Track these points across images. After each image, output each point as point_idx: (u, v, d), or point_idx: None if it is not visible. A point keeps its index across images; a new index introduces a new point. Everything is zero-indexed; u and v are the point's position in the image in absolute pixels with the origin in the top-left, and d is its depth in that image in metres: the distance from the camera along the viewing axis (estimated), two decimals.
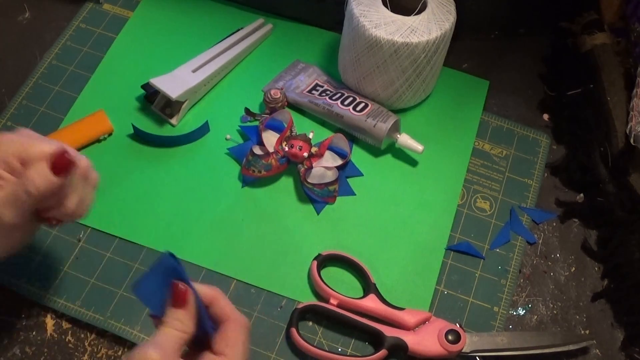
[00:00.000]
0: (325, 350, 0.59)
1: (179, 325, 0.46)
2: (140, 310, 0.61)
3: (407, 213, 0.67)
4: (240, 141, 0.70)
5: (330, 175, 0.67)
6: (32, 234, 0.55)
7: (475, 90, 0.76)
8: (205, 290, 0.49)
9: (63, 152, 0.49)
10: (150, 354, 0.44)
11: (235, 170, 0.69)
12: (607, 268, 0.66)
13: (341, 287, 0.62)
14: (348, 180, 0.69)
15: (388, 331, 0.59)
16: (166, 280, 0.47)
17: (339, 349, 0.61)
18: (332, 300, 0.61)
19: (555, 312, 0.64)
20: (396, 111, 0.71)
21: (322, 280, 0.62)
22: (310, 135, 0.67)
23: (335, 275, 0.64)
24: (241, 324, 0.49)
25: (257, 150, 0.67)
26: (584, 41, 0.72)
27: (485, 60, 0.78)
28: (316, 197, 0.67)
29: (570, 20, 0.75)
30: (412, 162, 0.70)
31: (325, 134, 0.71)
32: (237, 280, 0.63)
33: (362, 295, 0.62)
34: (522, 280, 0.65)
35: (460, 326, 0.60)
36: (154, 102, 0.71)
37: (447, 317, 0.62)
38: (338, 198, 0.68)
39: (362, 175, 0.69)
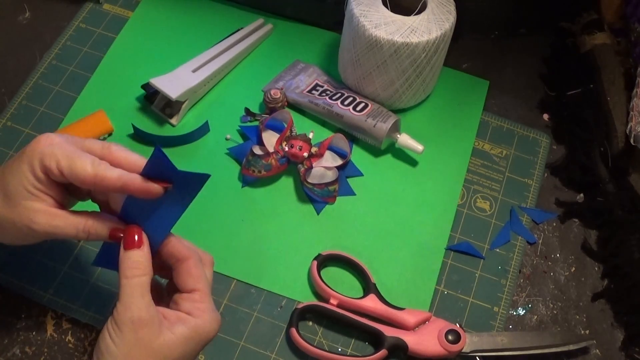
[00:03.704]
0: (325, 350, 0.59)
1: (137, 269, 0.47)
2: None
3: (407, 213, 0.67)
4: (240, 141, 0.70)
5: (330, 175, 0.67)
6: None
7: (475, 90, 0.76)
8: None
9: (116, 232, 0.49)
10: (137, 316, 0.45)
11: (235, 170, 0.69)
12: (607, 268, 0.66)
13: (341, 287, 0.62)
14: (348, 180, 0.69)
15: (388, 331, 0.59)
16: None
17: (339, 349, 0.61)
18: (332, 300, 0.61)
19: (555, 312, 0.64)
20: (396, 111, 0.71)
21: (322, 280, 0.62)
22: (310, 135, 0.67)
23: (335, 275, 0.64)
24: (202, 260, 0.51)
25: (257, 150, 0.67)
26: (584, 41, 0.72)
27: (485, 60, 0.78)
28: (316, 197, 0.67)
29: (570, 20, 0.75)
30: (412, 162, 0.70)
31: (325, 134, 0.71)
32: (237, 280, 0.63)
33: (362, 295, 0.62)
34: (522, 280, 0.65)
35: (460, 326, 0.60)
36: (154, 102, 0.71)
37: (447, 317, 0.62)
38: (338, 198, 0.68)
39: (362, 175, 0.69)
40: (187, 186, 0.48)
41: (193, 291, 0.49)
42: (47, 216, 0.48)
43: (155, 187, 0.47)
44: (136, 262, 0.47)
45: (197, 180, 0.47)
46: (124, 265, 0.47)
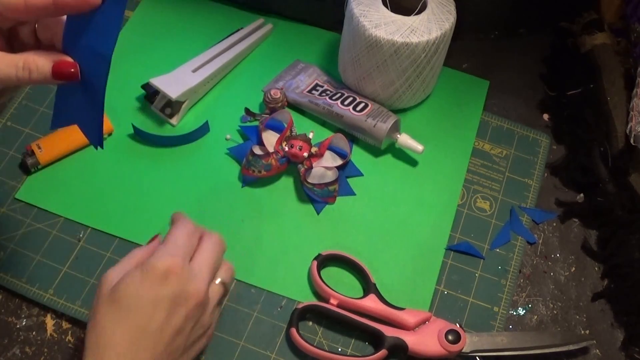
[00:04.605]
0: (325, 350, 0.59)
1: None
2: None
3: (407, 213, 0.68)
4: (240, 141, 0.70)
5: (330, 175, 0.67)
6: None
7: (475, 90, 0.76)
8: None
9: (62, 62, 0.48)
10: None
11: (235, 170, 0.69)
12: (607, 268, 0.66)
13: (341, 287, 0.62)
14: (348, 180, 0.69)
15: (388, 331, 0.59)
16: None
17: (339, 349, 0.61)
18: (332, 300, 0.61)
19: (555, 312, 0.64)
20: (396, 111, 0.71)
21: (322, 280, 0.62)
22: (310, 135, 0.67)
23: (335, 275, 0.64)
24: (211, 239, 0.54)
25: (257, 150, 0.67)
26: (584, 41, 0.72)
27: (485, 60, 0.78)
28: (316, 197, 0.67)
29: (570, 20, 0.75)
30: (412, 162, 0.71)
31: (325, 134, 0.71)
32: (237, 280, 0.63)
33: (362, 295, 0.62)
34: (522, 280, 0.65)
35: (460, 326, 0.60)
36: (154, 102, 0.71)
37: (447, 317, 0.62)
38: (338, 198, 0.68)
39: (362, 175, 0.69)
40: None
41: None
42: None
43: None
44: None
45: None
46: None
